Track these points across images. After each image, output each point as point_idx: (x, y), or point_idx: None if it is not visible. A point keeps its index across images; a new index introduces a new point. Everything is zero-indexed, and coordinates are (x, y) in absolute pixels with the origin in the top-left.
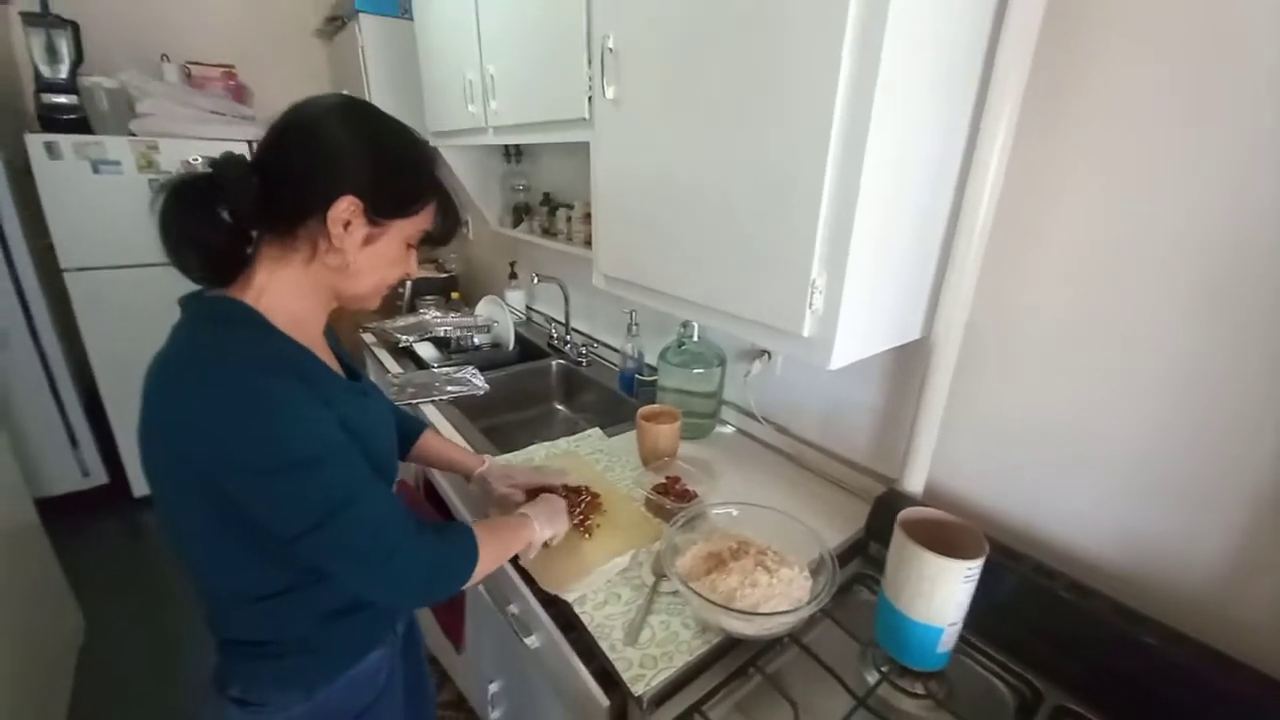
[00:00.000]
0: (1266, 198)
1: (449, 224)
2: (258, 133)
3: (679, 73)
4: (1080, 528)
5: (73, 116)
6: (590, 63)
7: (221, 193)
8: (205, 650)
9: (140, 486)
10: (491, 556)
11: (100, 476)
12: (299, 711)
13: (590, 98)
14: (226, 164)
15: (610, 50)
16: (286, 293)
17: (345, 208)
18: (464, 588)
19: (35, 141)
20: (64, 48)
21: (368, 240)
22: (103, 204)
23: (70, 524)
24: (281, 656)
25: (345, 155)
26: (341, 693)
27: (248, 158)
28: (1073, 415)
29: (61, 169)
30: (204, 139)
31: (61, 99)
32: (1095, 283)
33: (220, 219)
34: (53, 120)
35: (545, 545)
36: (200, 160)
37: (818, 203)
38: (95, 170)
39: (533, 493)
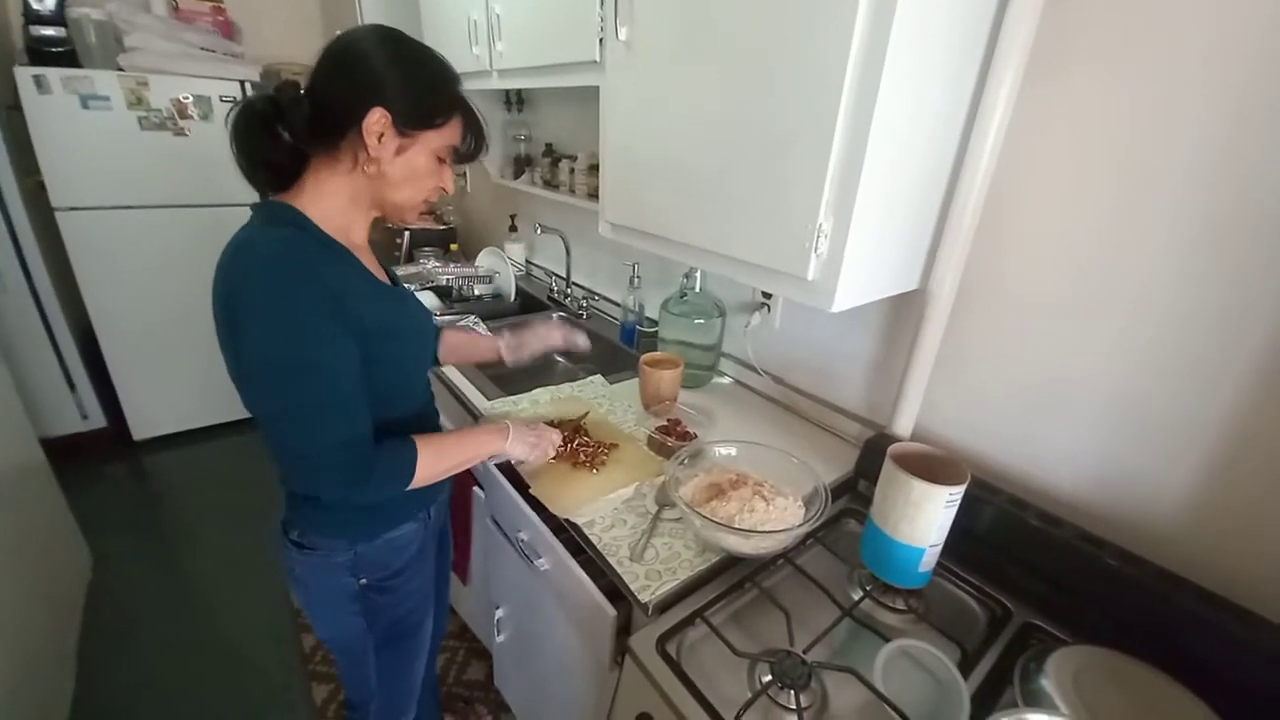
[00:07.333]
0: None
1: (475, 140)
2: (248, 72)
3: (694, 13)
4: (1057, 469)
5: (61, 49)
6: (602, 3)
7: (280, 114)
8: (211, 582)
9: (140, 430)
10: (437, 463)
11: (99, 420)
12: (342, 559)
13: (601, 39)
14: (283, 89)
15: None
16: (329, 198)
17: (377, 119)
18: (409, 489)
19: (24, 75)
20: None
21: (399, 150)
22: (93, 141)
23: (72, 465)
24: (333, 510)
25: (374, 72)
26: (379, 550)
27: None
28: (1057, 361)
29: (50, 104)
30: (194, 76)
31: (49, 30)
32: (1086, 235)
33: (281, 138)
34: (41, 53)
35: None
36: (191, 98)
37: (828, 147)
38: (84, 105)
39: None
